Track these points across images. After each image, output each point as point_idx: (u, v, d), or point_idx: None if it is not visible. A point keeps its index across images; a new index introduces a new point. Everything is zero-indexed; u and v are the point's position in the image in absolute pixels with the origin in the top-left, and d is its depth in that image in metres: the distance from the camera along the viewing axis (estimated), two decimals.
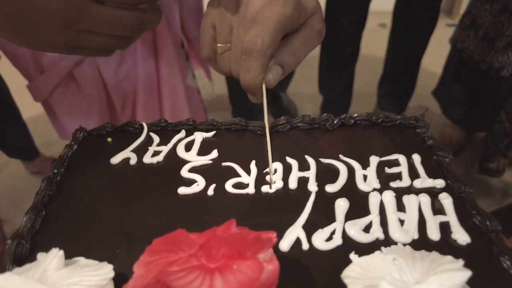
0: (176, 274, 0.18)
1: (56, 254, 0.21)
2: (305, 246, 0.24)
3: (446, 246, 0.24)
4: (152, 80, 0.80)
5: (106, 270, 0.21)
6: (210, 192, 0.29)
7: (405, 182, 0.28)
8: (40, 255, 0.21)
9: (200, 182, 0.30)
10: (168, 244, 0.20)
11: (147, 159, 0.33)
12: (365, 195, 0.27)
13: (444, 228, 0.25)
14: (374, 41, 1.14)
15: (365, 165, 0.30)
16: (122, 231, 0.26)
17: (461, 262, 0.18)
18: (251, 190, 0.29)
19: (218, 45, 0.31)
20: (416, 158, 0.31)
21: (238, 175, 0.31)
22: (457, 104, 1.12)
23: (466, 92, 1.09)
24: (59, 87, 0.81)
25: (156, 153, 0.34)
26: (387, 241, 0.24)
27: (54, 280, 0.19)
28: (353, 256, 0.22)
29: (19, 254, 0.24)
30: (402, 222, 0.25)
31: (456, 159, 1.14)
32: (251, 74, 0.28)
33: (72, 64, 0.74)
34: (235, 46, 0.29)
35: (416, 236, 0.24)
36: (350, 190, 0.28)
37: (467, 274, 0.17)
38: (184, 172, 0.31)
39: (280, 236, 0.24)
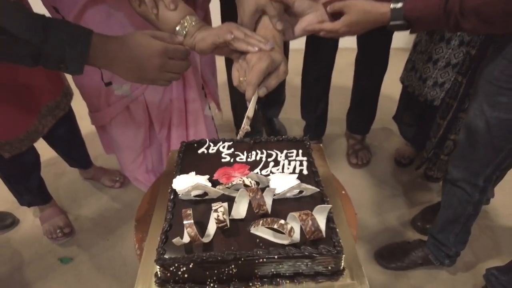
0: None
1: None
2: None
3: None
4: (181, 111, 1.20)
5: None
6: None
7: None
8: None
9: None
10: None
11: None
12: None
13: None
14: (349, 75, 1.55)
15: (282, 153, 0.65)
16: None
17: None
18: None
19: (241, 78, 0.67)
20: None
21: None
22: (408, 127, 1.51)
23: (413, 118, 1.48)
24: (117, 116, 1.19)
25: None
26: None
27: None
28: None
29: None
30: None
31: (407, 169, 1.52)
32: (249, 92, 0.63)
33: (130, 99, 1.13)
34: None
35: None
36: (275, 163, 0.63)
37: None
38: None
39: None
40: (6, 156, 1.05)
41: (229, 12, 1.18)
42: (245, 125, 0.63)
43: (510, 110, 0.80)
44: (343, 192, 0.66)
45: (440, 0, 0.60)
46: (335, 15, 0.70)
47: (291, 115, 1.71)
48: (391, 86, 1.51)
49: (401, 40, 1.36)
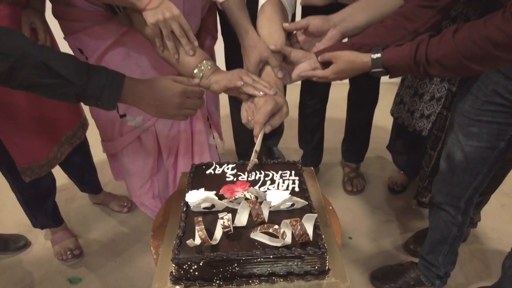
0: None
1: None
2: None
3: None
4: (188, 140, 1.32)
5: None
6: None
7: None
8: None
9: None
10: None
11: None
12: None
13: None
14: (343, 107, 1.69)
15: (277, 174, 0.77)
16: None
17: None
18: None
19: (249, 118, 0.81)
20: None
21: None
22: (400, 155, 1.63)
23: (404, 147, 1.60)
24: (129, 145, 1.30)
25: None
26: None
27: None
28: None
29: None
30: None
31: (400, 195, 1.62)
32: (257, 130, 0.76)
33: (142, 130, 1.25)
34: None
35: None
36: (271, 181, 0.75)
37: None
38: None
39: None
40: (27, 181, 1.16)
41: (232, 54, 1.33)
42: (254, 158, 0.75)
43: (481, 138, 0.92)
44: (330, 207, 0.76)
45: (410, 52, 0.74)
46: (325, 64, 0.85)
47: (289, 145, 1.84)
48: (384, 118, 1.64)
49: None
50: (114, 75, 0.72)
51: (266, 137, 1.67)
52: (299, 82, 1.51)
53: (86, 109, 1.27)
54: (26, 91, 0.67)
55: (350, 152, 1.68)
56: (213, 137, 1.39)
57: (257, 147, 0.76)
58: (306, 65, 0.88)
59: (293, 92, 1.58)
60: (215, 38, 1.28)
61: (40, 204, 1.27)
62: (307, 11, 1.00)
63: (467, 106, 0.93)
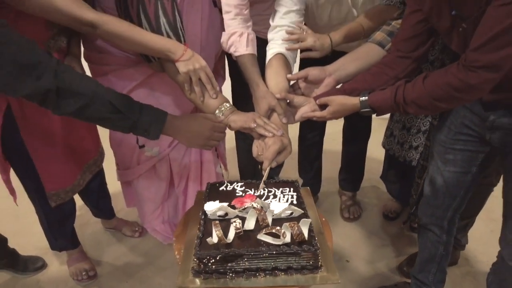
0: None
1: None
2: None
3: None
4: (198, 168, 1.47)
5: None
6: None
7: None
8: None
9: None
10: None
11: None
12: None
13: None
14: (339, 140, 1.85)
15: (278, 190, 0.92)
16: None
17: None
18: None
19: (259, 153, 0.98)
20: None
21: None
22: (393, 184, 1.77)
23: (396, 176, 1.75)
24: (144, 173, 1.45)
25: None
26: None
27: None
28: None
29: None
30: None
31: (394, 222, 1.75)
32: (266, 164, 0.94)
33: (158, 159, 1.41)
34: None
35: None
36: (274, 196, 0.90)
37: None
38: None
39: None
40: (53, 205, 1.30)
41: (238, 91, 1.53)
42: (261, 188, 0.92)
43: (456, 164, 1.08)
44: (324, 219, 0.91)
45: (391, 95, 0.92)
46: (322, 106, 1.03)
47: (290, 174, 1.99)
48: (378, 151, 1.81)
49: None
50: (159, 113, 0.93)
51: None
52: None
53: (103, 139, 1.45)
54: (91, 122, 0.86)
55: (347, 182, 1.83)
56: (220, 166, 1.54)
57: (264, 178, 0.95)
58: (307, 108, 1.07)
59: (293, 127, 1.75)
60: (223, 79, 1.48)
61: (61, 227, 1.41)
62: (306, 61, 1.21)
63: (442, 136, 1.09)
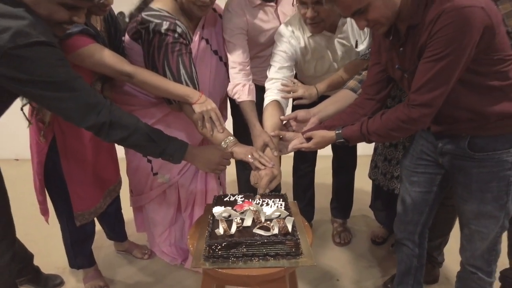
0: None
1: None
2: None
3: None
4: (203, 194, 1.76)
5: None
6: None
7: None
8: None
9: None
10: None
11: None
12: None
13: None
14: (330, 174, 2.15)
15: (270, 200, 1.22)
16: None
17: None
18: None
19: (255, 182, 1.31)
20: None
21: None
22: (380, 212, 2.04)
23: (383, 204, 2.02)
24: (155, 198, 1.74)
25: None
26: None
27: None
28: None
29: None
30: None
31: (381, 246, 1.99)
32: (261, 191, 1.26)
33: (168, 185, 1.70)
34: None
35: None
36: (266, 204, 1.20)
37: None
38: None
39: None
40: (78, 224, 1.58)
41: (238, 127, 1.85)
42: (257, 198, 1.24)
43: (420, 185, 1.37)
44: (306, 223, 1.19)
45: (358, 128, 1.24)
46: (308, 139, 1.35)
47: None
48: (367, 184, 2.09)
49: (368, 148, 2.01)
50: (182, 143, 1.28)
51: None
52: (292, 154, 2.01)
53: (122, 169, 1.75)
54: (131, 148, 1.20)
55: (337, 210, 2.11)
56: (222, 192, 1.83)
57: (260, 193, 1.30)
58: (296, 141, 1.40)
59: (288, 160, 2.06)
60: (225, 118, 1.81)
61: (82, 246, 1.67)
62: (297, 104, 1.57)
63: (407, 162, 1.39)
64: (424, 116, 1.10)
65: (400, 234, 1.48)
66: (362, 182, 2.06)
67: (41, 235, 1.96)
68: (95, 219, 1.69)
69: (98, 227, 1.82)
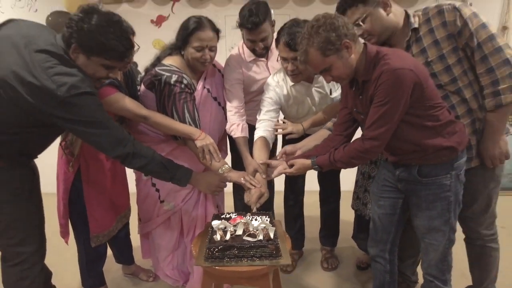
0: None
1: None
2: None
3: None
4: (203, 220, 2.06)
5: None
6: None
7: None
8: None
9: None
10: None
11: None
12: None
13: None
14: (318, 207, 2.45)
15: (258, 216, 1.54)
16: None
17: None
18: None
19: (247, 200, 1.69)
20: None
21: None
22: (362, 240, 2.31)
23: (364, 234, 2.29)
24: (161, 224, 2.03)
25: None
26: None
27: None
28: None
29: None
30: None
31: (365, 271, 2.25)
32: (252, 207, 1.62)
33: (172, 212, 2.01)
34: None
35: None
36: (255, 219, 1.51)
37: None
38: None
39: None
40: (93, 246, 1.87)
41: (236, 158, 2.19)
42: (248, 215, 1.55)
43: (386, 208, 1.68)
44: (286, 236, 1.48)
45: (327, 157, 1.58)
46: (291, 166, 1.68)
47: None
48: (352, 216, 2.38)
49: (352, 184, 2.33)
50: (188, 170, 1.63)
51: None
52: (282, 193, 2.35)
53: (133, 198, 2.05)
54: (148, 174, 1.52)
55: (326, 238, 2.39)
56: None
57: (252, 209, 1.64)
58: (280, 168, 1.74)
59: (279, 193, 2.38)
60: (226, 153, 2.16)
61: (95, 265, 1.96)
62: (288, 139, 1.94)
63: (375, 189, 1.71)
64: (375, 147, 1.43)
65: (372, 251, 1.76)
66: (348, 215, 2.35)
67: (56, 259, 2.22)
68: (107, 243, 1.98)
69: (108, 251, 2.10)
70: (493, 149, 1.49)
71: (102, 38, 1.32)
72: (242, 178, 1.70)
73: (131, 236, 2.17)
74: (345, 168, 1.66)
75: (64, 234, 1.92)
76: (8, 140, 1.39)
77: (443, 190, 1.44)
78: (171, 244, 2.09)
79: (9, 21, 1.43)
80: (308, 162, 1.63)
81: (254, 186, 1.68)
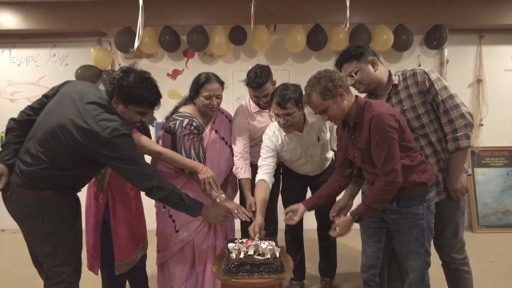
0: None
1: None
2: None
3: None
4: (213, 252, 2.39)
5: None
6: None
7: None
8: None
9: None
10: None
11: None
12: None
13: None
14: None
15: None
16: None
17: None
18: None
19: (251, 231, 2.05)
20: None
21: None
22: None
23: None
24: (176, 253, 2.37)
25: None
26: None
27: None
28: None
29: None
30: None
31: None
32: (255, 236, 1.98)
33: (186, 242, 2.35)
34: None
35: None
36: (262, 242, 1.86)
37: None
38: None
39: None
40: (117, 274, 2.19)
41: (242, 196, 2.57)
42: (256, 240, 1.91)
43: (374, 237, 2.05)
44: (290, 258, 1.84)
45: (362, 205, 1.93)
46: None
47: None
48: (348, 249, 2.71)
49: None
50: (200, 203, 2.00)
51: None
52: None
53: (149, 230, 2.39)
54: (168, 205, 1.88)
55: (325, 270, 2.73)
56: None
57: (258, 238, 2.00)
58: (332, 233, 1.99)
59: (280, 232, 2.72)
60: (235, 191, 2.53)
61: None
62: (286, 172, 2.36)
63: (364, 221, 2.07)
64: (396, 177, 1.76)
65: (364, 276, 2.09)
66: (345, 248, 2.68)
67: None
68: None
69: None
70: (456, 184, 1.89)
71: (137, 91, 1.76)
72: (237, 210, 2.07)
73: (146, 268, 2.48)
74: (381, 208, 1.89)
75: (94, 266, 2.23)
76: (62, 175, 1.78)
77: (418, 218, 1.82)
78: (184, 273, 2.41)
79: (66, 82, 1.88)
80: (348, 218, 1.85)
81: (247, 216, 2.06)
